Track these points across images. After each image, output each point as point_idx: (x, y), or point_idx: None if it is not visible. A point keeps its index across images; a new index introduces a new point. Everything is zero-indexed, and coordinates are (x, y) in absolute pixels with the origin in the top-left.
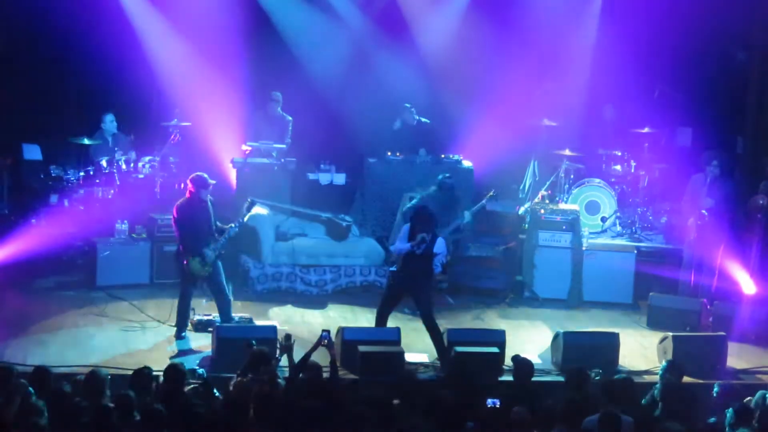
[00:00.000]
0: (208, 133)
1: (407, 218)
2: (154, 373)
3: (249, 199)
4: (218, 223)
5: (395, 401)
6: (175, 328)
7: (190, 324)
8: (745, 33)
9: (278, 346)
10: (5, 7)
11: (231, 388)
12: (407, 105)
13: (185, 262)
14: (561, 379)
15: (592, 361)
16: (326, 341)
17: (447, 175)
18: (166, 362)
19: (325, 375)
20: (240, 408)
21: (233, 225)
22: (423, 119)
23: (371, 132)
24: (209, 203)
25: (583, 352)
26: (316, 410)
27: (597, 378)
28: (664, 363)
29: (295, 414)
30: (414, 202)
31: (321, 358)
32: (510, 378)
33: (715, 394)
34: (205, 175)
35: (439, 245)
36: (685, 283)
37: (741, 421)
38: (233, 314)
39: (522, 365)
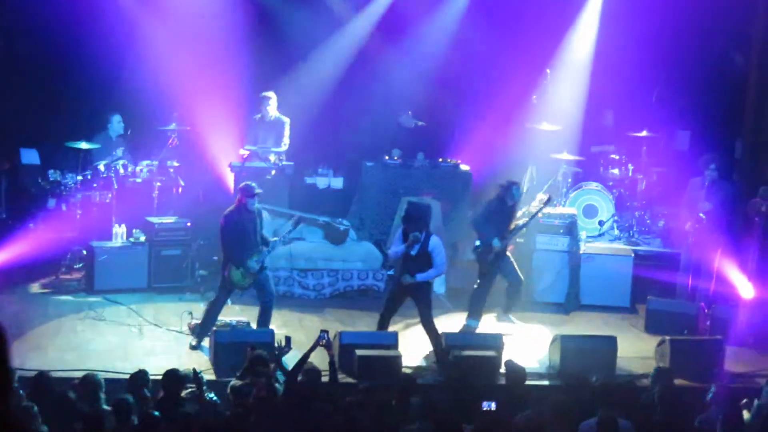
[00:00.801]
0: (206, 137)
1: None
2: (151, 376)
3: (296, 216)
4: (264, 234)
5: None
6: (173, 332)
7: (188, 327)
8: (742, 36)
9: (276, 349)
10: (3, 11)
11: (229, 392)
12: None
13: (226, 272)
14: (559, 383)
15: (590, 365)
16: (324, 341)
17: (507, 182)
18: (165, 367)
19: (324, 377)
20: (239, 412)
21: (277, 239)
22: (419, 122)
23: (369, 136)
24: (257, 214)
25: (581, 356)
26: (317, 413)
27: (597, 383)
28: (654, 369)
29: (296, 417)
30: (481, 211)
31: (320, 359)
32: None
33: (710, 396)
34: (253, 184)
35: (434, 243)
36: (682, 287)
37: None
38: (230, 319)
39: (514, 371)
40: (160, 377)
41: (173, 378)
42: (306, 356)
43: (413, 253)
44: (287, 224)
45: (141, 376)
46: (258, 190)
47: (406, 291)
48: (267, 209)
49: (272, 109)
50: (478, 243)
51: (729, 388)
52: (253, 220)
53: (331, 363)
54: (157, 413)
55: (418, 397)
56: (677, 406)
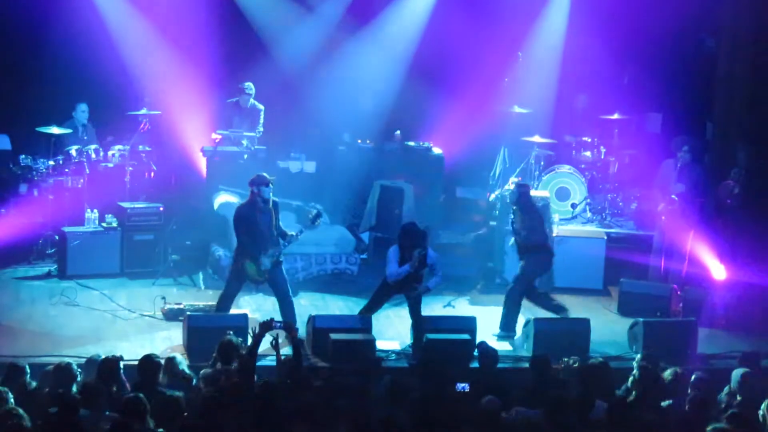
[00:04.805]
0: (178, 122)
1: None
2: (126, 362)
3: (315, 210)
4: (281, 226)
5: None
6: (146, 317)
7: (161, 312)
8: (713, 19)
9: (251, 333)
10: None
11: (200, 380)
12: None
13: (241, 264)
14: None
15: (564, 347)
16: (279, 326)
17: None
18: (138, 352)
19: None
20: (209, 400)
21: (295, 233)
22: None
23: (341, 120)
24: (272, 206)
25: (554, 338)
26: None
27: (575, 365)
28: (639, 354)
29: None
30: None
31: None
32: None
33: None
34: (265, 174)
35: (433, 256)
36: (655, 269)
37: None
38: (203, 303)
39: (486, 353)
40: (134, 362)
41: (149, 363)
42: (255, 349)
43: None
44: (292, 216)
45: (112, 360)
46: (270, 178)
47: (396, 288)
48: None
49: (250, 98)
50: None
51: (696, 371)
52: (268, 213)
53: (296, 350)
54: (141, 395)
55: (389, 380)
56: (653, 390)
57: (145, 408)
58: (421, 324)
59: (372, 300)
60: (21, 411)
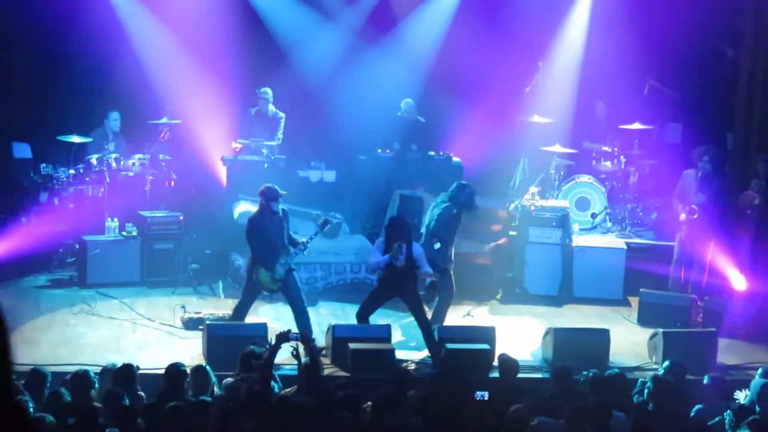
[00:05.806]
0: (198, 131)
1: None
2: (148, 371)
3: (323, 218)
4: (291, 234)
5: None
6: (166, 326)
7: (180, 321)
8: (734, 29)
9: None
10: None
11: (223, 390)
12: (409, 100)
13: (255, 275)
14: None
15: (583, 357)
16: (296, 338)
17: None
18: (157, 360)
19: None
20: (230, 408)
21: (305, 240)
22: (420, 117)
23: (361, 129)
24: (282, 215)
25: (573, 348)
26: (307, 408)
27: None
28: (667, 362)
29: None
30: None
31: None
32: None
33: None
34: (276, 187)
35: (417, 250)
36: (675, 279)
37: (740, 420)
38: (223, 312)
39: (507, 363)
40: (153, 371)
41: (176, 372)
42: (271, 359)
43: (398, 263)
44: (313, 226)
45: (129, 369)
46: (282, 192)
47: (392, 291)
48: (290, 209)
49: (270, 104)
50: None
51: (723, 380)
52: (279, 222)
53: (313, 360)
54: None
55: (414, 391)
56: (671, 400)
57: (184, 417)
58: (428, 329)
59: (365, 303)
60: (50, 417)
